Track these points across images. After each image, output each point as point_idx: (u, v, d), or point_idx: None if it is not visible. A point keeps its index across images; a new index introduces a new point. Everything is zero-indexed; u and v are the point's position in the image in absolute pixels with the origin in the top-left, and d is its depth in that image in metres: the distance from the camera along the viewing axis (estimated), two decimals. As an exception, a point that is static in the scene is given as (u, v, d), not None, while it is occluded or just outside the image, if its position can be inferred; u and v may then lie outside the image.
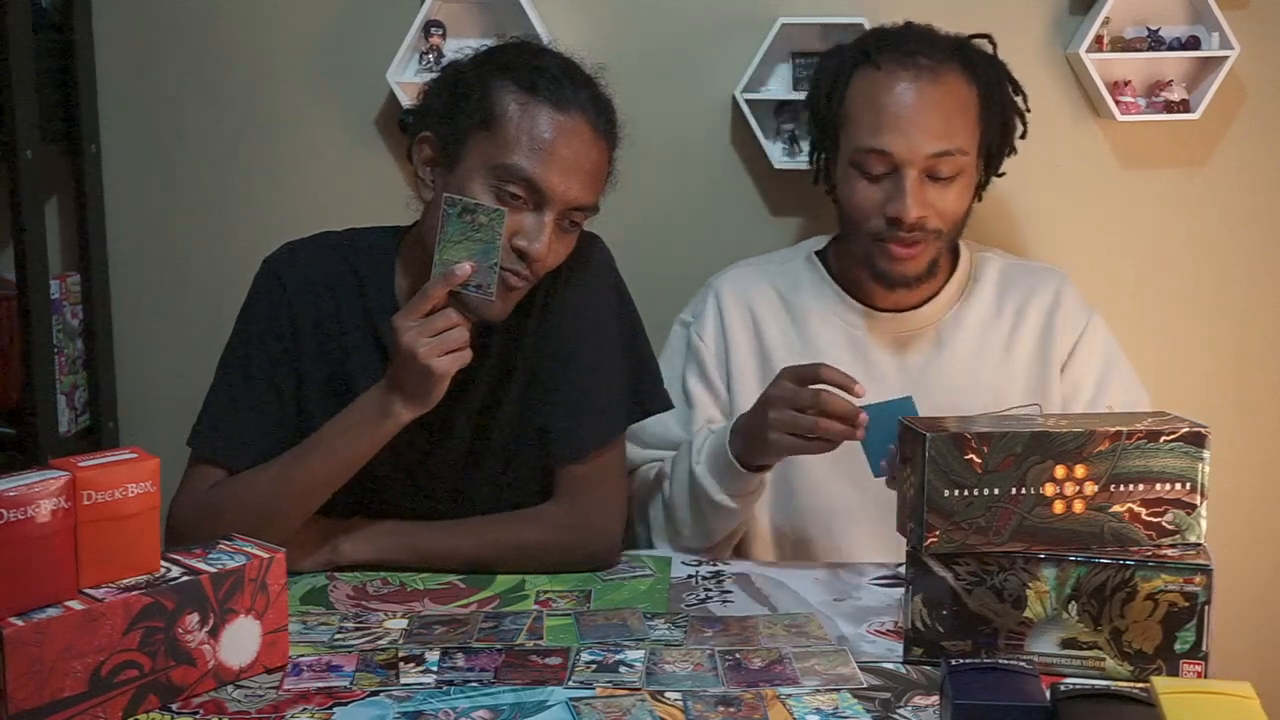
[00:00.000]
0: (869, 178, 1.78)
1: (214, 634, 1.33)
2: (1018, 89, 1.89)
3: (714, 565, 1.73)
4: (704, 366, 1.90)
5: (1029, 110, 1.91)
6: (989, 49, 1.89)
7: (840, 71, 1.83)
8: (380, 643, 1.46)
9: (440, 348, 1.54)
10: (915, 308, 1.87)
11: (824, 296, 1.90)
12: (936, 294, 1.88)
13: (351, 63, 2.31)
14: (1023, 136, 1.90)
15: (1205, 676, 1.33)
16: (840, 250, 1.93)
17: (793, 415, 1.60)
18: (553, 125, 1.59)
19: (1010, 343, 1.88)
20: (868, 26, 2.17)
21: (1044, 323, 1.88)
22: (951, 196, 1.78)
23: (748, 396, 1.87)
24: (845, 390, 1.58)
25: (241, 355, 1.72)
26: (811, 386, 1.59)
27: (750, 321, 1.90)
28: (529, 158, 1.58)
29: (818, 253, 1.95)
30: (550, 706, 1.30)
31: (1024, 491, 1.35)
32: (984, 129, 1.82)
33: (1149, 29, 2.24)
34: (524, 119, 1.59)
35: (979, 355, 1.87)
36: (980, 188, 1.87)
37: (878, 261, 1.80)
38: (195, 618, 1.32)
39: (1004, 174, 1.90)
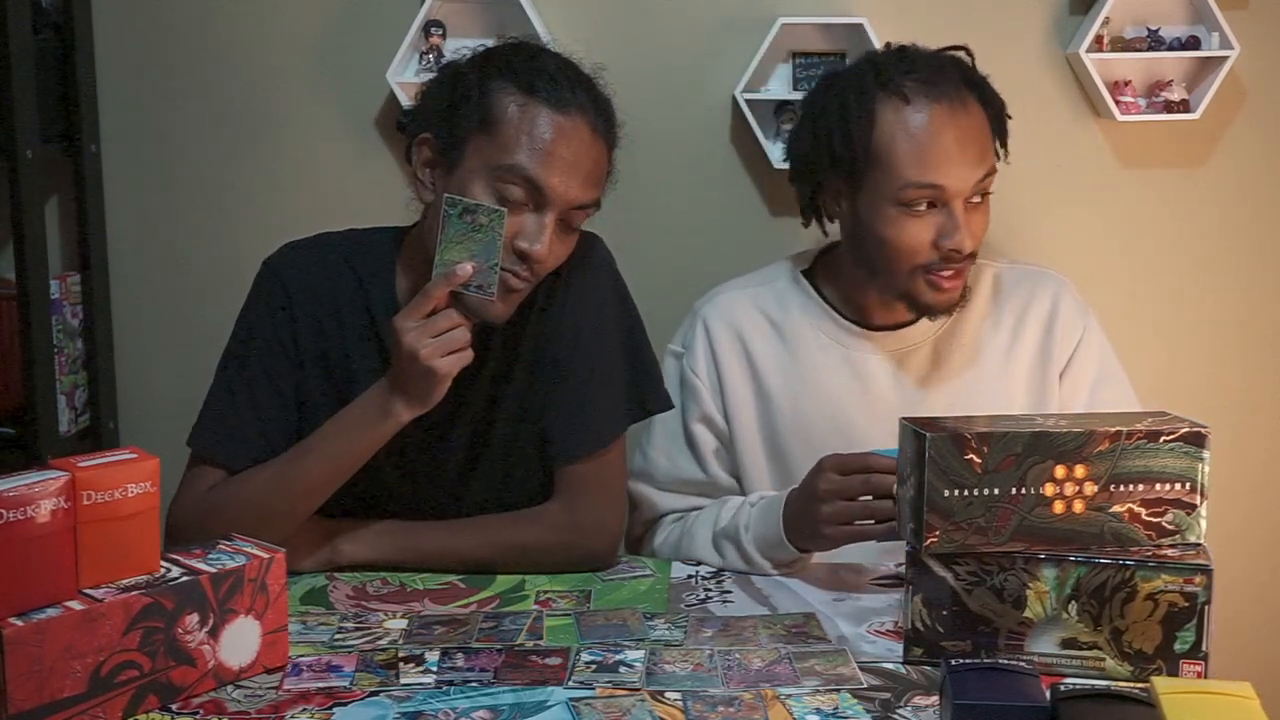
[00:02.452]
0: (915, 214, 1.73)
1: (214, 634, 1.33)
2: (1000, 100, 1.83)
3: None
4: (701, 403, 1.87)
5: (1010, 117, 1.84)
6: (969, 62, 1.84)
7: (862, 106, 1.75)
8: (380, 643, 1.46)
9: (442, 348, 1.55)
10: (910, 324, 1.85)
11: (815, 318, 1.87)
12: None
13: (351, 63, 2.31)
14: (1004, 144, 1.84)
15: (1205, 676, 1.33)
16: (831, 269, 1.89)
17: (845, 506, 1.59)
18: (552, 126, 1.59)
19: (1009, 353, 1.86)
20: (868, 27, 2.17)
21: (1043, 331, 1.86)
22: (984, 217, 1.78)
23: (745, 425, 1.87)
24: (895, 473, 1.53)
25: (241, 356, 1.72)
26: (859, 476, 1.58)
27: (741, 349, 1.87)
28: (529, 158, 1.58)
29: (804, 273, 1.91)
30: (550, 706, 1.30)
31: (1024, 491, 1.35)
32: (994, 142, 1.81)
33: (1149, 29, 2.24)
34: (523, 120, 1.59)
35: (978, 367, 1.85)
36: None
37: (924, 294, 1.77)
38: (195, 618, 1.32)
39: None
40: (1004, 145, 1.84)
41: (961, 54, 1.85)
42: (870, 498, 1.58)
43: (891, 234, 1.76)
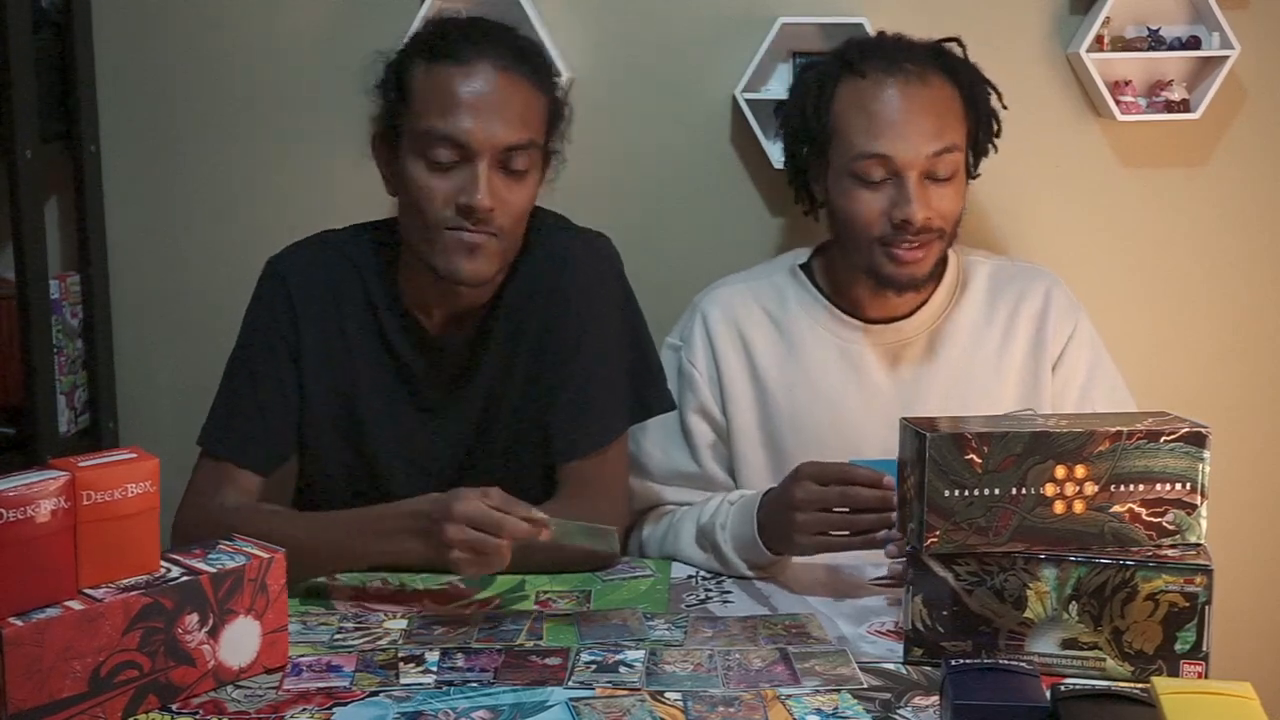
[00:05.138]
0: (869, 185, 1.77)
1: (214, 634, 1.33)
2: (992, 87, 1.89)
3: (714, 565, 1.74)
4: (698, 395, 1.88)
5: (1005, 107, 1.91)
6: (960, 52, 1.89)
7: (823, 84, 1.82)
8: (380, 643, 1.46)
9: (470, 546, 1.47)
10: (905, 317, 1.86)
11: (812, 311, 1.89)
12: (926, 301, 1.87)
13: (352, 62, 2.29)
14: (998, 134, 1.90)
15: (1205, 676, 1.33)
16: (827, 262, 1.91)
17: (821, 516, 1.58)
18: (455, 78, 1.61)
19: (1003, 347, 1.87)
20: (868, 26, 2.17)
21: (1036, 326, 1.88)
22: (950, 196, 1.78)
23: (742, 418, 1.88)
24: (874, 486, 1.54)
25: (245, 356, 1.74)
26: (837, 488, 1.57)
27: (740, 342, 1.88)
28: (439, 116, 1.60)
29: (801, 266, 1.93)
30: (550, 707, 1.30)
31: (1024, 491, 1.35)
32: (969, 126, 1.83)
33: (1149, 29, 2.24)
34: (430, 83, 1.62)
35: (972, 361, 1.87)
36: (969, 176, 1.87)
37: (884, 267, 1.78)
38: (195, 618, 1.32)
39: (979, 175, 1.89)
40: (985, 130, 1.86)
41: (951, 44, 1.87)
42: (848, 510, 1.57)
43: (848, 206, 1.80)
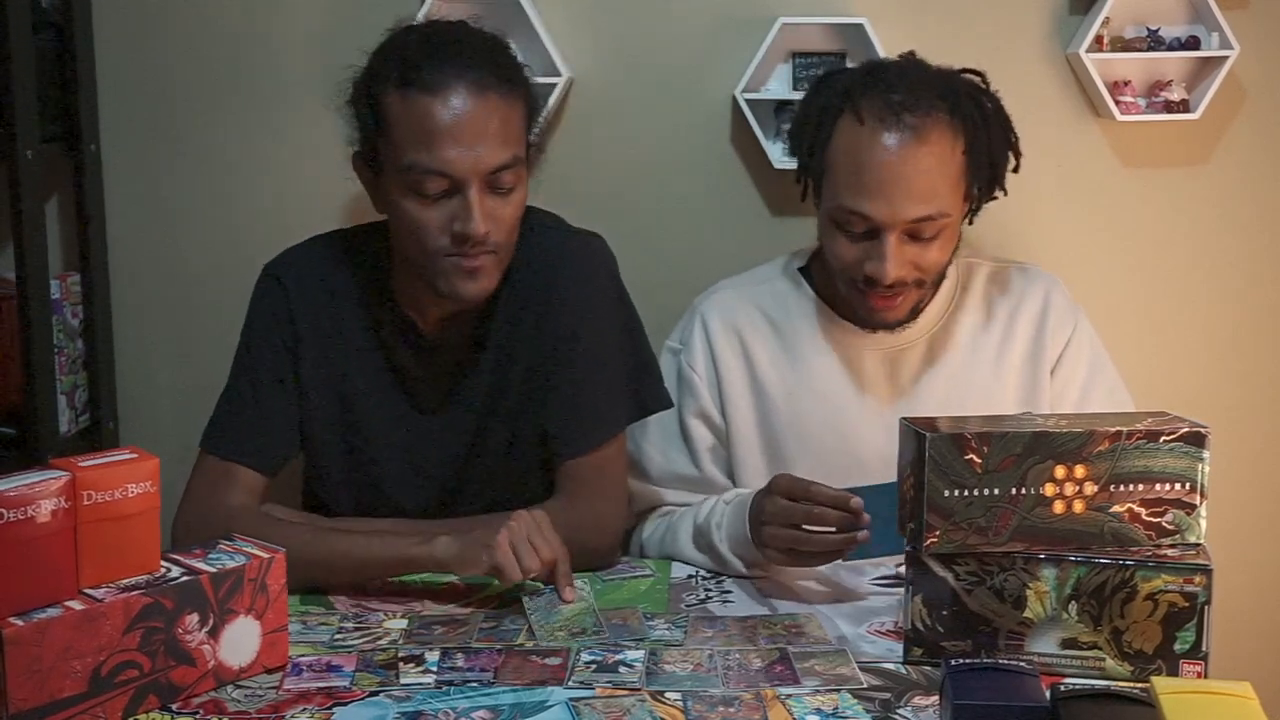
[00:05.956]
0: (848, 234, 1.75)
1: (214, 634, 1.33)
2: (1009, 129, 1.82)
3: (714, 565, 1.74)
4: (698, 398, 1.88)
5: (1020, 155, 1.83)
6: (981, 83, 1.81)
7: (824, 117, 1.77)
8: (380, 643, 1.46)
9: (515, 538, 1.53)
10: (905, 322, 1.86)
11: (811, 316, 1.88)
12: (925, 307, 1.86)
13: (352, 63, 2.30)
14: (1015, 170, 1.83)
15: (1205, 676, 1.34)
16: (825, 267, 1.89)
17: (789, 533, 1.58)
18: (432, 108, 1.58)
19: (1002, 350, 1.87)
20: (868, 26, 2.17)
21: (1035, 328, 1.87)
22: (933, 253, 1.75)
23: (742, 422, 1.88)
24: (839, 506, 1.54)
25: (248, 359, 1.74)
26: (804, 506, 1.57)
27: (739, 346, 1.88)
28: (424, 151, 1.58)
29: (801, 270, 1.93)
30: (550, 706, 1.30)
31: (1024, 491, 1.35)
32: (969, 181, 1.77)
33: (1149, 29, 2.24)
34: (405, 116, 1.59)
35: (971, 364, 1.86)
36: (973, 212, 1.83)
37: (859, 307, 1.79)
38: (195, 618, 1.32)
39: (998, 197, 1.84)
40: (990, 181, 1.79)
41: (974, 78, 1.81)
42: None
43: (828, 245, 1.79)
